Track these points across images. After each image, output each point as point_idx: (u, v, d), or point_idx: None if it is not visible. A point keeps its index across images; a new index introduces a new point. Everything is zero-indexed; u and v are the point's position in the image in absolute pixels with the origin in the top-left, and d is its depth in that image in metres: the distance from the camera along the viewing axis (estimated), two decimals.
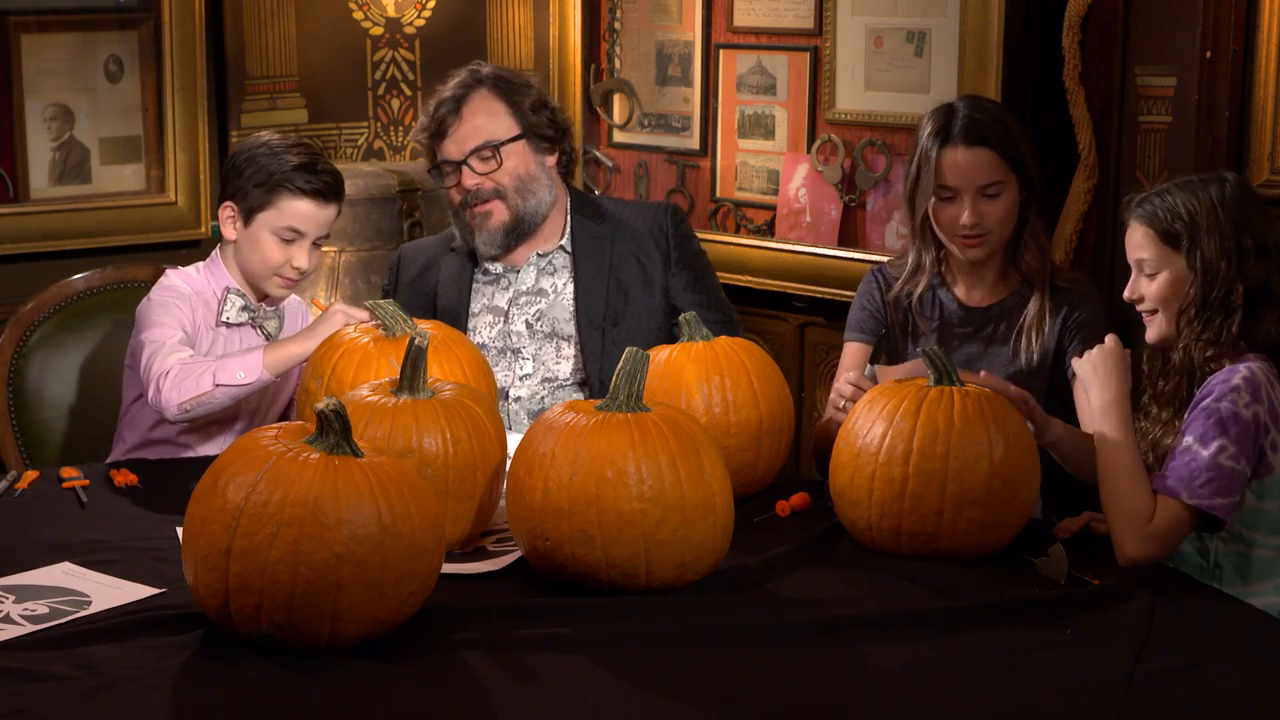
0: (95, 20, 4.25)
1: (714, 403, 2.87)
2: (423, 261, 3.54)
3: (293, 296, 3.39)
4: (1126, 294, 2.82)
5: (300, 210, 3.22)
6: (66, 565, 2.55)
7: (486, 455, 2.63)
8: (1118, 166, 3.58)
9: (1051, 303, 3.17)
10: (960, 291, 3.25)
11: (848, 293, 3.85)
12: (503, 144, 3.37)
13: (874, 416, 2.68)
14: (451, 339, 2.98)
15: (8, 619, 2.33)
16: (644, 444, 2.45)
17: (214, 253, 3.33)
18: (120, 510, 2.87)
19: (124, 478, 2.98)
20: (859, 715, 2.15)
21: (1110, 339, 2.78)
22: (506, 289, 3.45)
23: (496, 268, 3.46)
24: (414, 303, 3.44)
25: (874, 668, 2.28)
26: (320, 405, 2.30)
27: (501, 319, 3.42)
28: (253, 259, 3.25)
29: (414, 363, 2.64)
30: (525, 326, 3.41)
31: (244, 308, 3.27)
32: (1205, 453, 2.60)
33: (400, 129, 4.73)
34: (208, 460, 2.46)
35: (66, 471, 3.00)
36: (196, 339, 3.21)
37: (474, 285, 3.46)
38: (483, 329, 3.43)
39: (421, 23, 4.70)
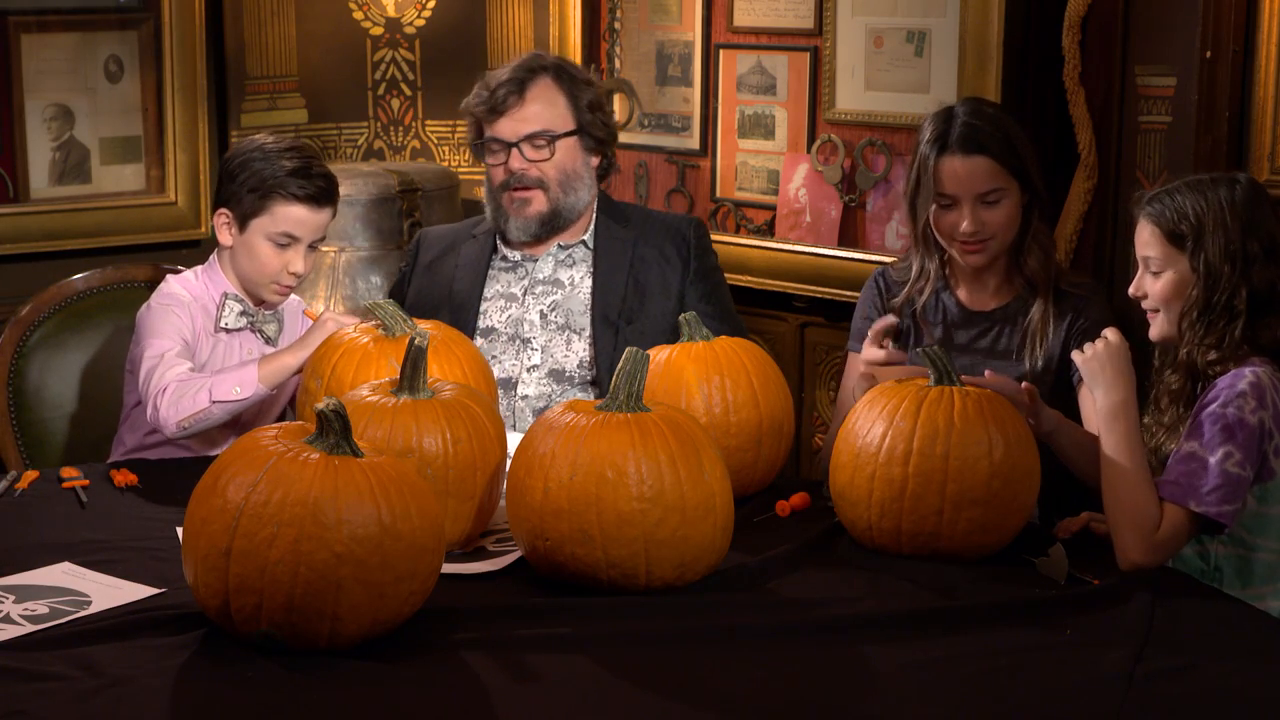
0: (95, 20, 4.25)
1: (714, 403, 2.87)
2: (442, 246, 3.56)
3: (293, 296, 3.39)
4: (1131, 290, 2.80)
5: (295, 216, 3.22)
6: (66, 565, 2.55)
7: (486, 455, 2.63)
8: (1118, 167, 3.58)
9: (1056, 308, 3.15)
10: (963, 295, 3.23)
11: (848, 293, 3.86)
12: (558, 136, 3.40)
13: (874, 416, 2.68)
14: (451, 339, 2.98)
15: (8, 619, 2.33)
16: (644, 444, 2.45)
17: (211, 257, 3.32)
18: (120, 510, 2.86)
19: (124, 478, 2.98)
20: (859, 715, 2.15)
21: (1113, 334, 2.73)
22: (523, 277, 3.46)
23: (515, 255, 3.47)
24: (430, 286, 3.47)
25: (874, 668, 2.28)
26: (320, 405, 2.30)
27: (515, 305, 3.43)
28: (249, 265, 3.25)
29: (414, 363, 2.64)
30: (539, 316, 3.42)
31: (242, 313, 3.27)
32: (1212, 459, 2.58)
33: (400, 129, 4.73)
34: (208, 460, 2.45)
35: (66, 472, 3.00)
36: (196, 346, 3.23)
37: (490, 271, 3.48)
38: (494, 313, 3.44)
39: (421, 23, 4.70)
